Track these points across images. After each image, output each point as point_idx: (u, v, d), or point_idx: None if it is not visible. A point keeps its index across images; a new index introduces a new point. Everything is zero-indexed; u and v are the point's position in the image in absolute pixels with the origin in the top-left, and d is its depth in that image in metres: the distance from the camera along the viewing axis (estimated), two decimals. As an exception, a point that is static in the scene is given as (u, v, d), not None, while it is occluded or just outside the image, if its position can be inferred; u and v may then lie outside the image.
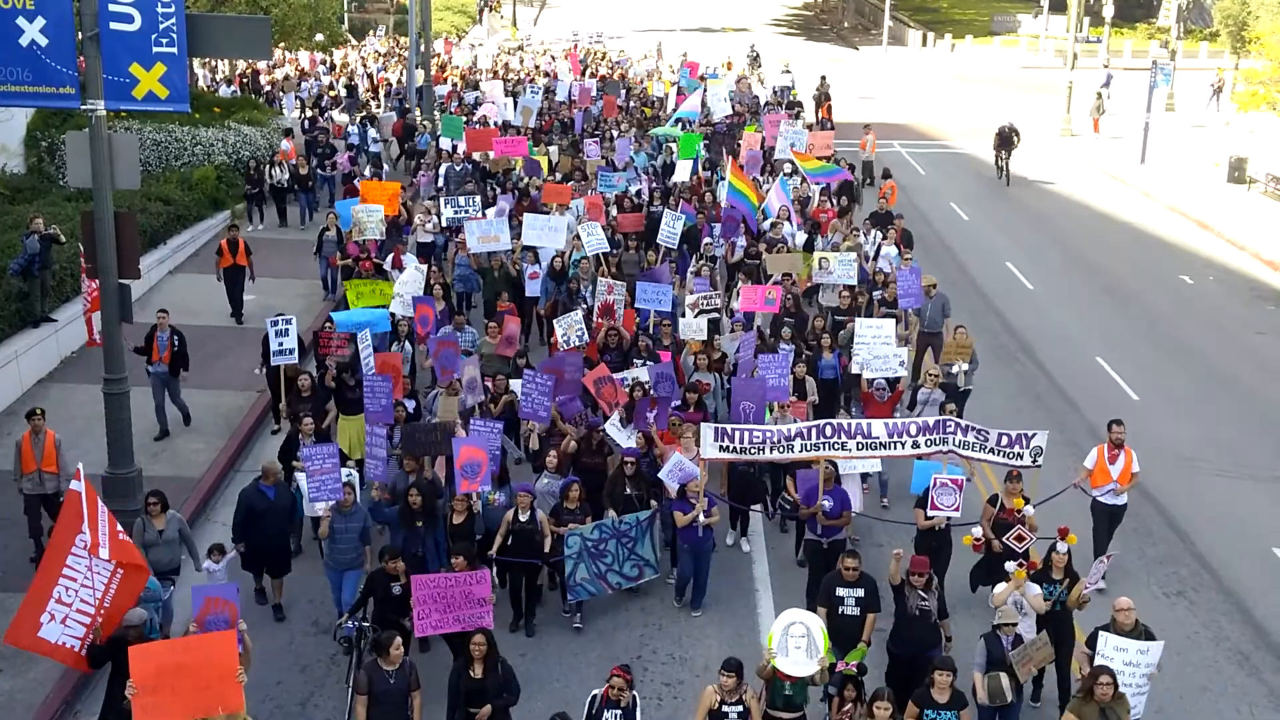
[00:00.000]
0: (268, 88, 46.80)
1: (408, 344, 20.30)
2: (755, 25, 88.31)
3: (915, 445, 15.17)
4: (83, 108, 15.92)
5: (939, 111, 56.10)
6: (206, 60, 47.71)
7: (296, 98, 44.78)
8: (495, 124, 36.30)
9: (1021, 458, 15.15)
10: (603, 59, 57.97)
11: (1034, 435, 15.18)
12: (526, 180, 29.50)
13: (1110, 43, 64.50)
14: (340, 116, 40.48)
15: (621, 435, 17.09)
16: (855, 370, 19.01)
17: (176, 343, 19.64)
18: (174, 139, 32.30)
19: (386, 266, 23.32)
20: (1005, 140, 40.28)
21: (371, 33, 61.90)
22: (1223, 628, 15.89)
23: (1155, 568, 17.23)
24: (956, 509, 14.83)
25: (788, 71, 51.49)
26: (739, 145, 33.25)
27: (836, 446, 15.03)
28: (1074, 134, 49.76)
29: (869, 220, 27.82)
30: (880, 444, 15.13)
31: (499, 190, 29.38)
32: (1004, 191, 40.76)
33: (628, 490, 15.68)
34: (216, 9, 37.52)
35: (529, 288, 23.56)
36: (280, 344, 19.00)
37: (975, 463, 15.69)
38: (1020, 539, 14.59)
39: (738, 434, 15.01)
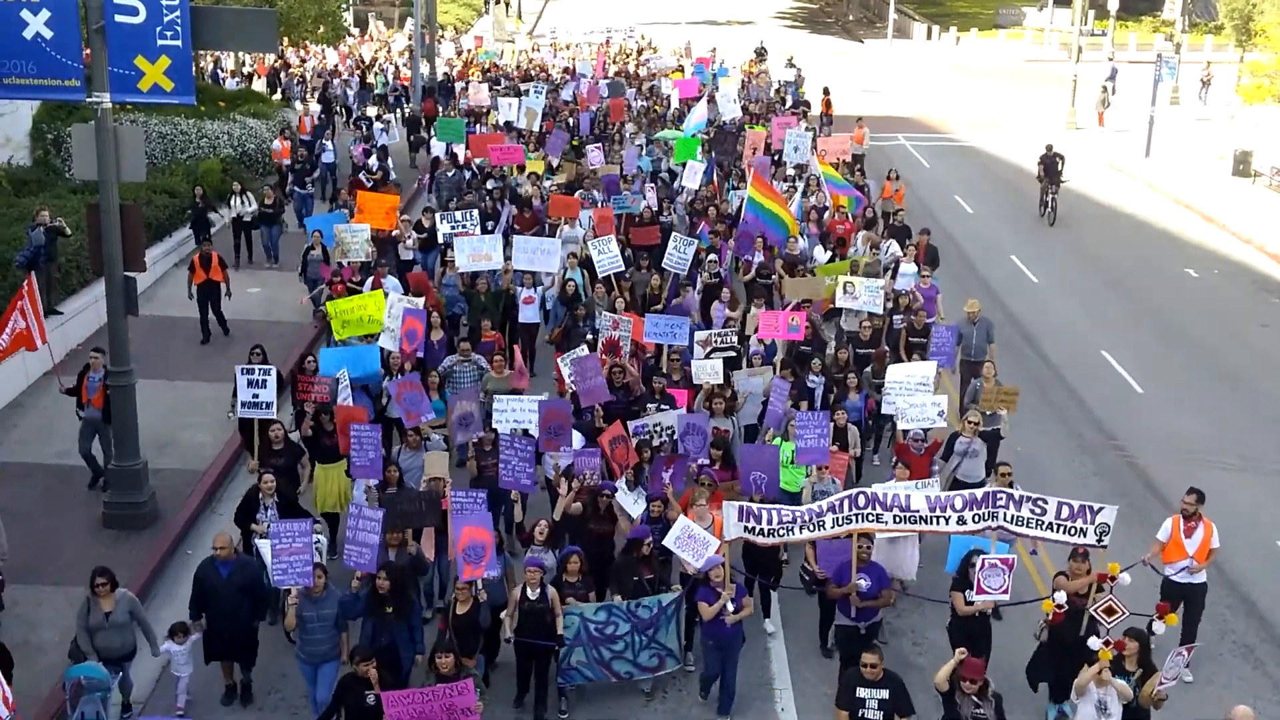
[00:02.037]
0: (297, 82, 46.49)
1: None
2: (760, 18, 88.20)
3: (961, 520, 13.21)
4: (88, 100, 15.99)
5: (943, 104, 56.01)
6: (223, 56, 47.38)
7: (331, 95, 43.40)
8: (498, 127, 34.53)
9: (1085, 534, 13.01)
10: (639, 54, 55.01)
11: (1100, 510, 12.98)
12: (527, 190, 27.54)
13: (1115, 36, 64.41)
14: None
15: (629, 500, 15.13)
16: (888, 412, 17.49)
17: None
18: (179, 131, 32.34)
19: (366, 290, 21.10)
20: (1051, 169, 34.70)
21: (400, 29, 61.58)
22: (1227, 621, 15.90)
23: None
24: (1005, 592, 13.08)
25: (792, 65, 51.34)
26: (741, 148, 31.39)
27: (871, 519, 13.22)
28: (1079, 127, 49.67)
29: (885, 230, 26.29)
30: (921, 518, 13.27)
31: (497, 199, 27.11)
32: (1009, 185, 40.70)
33: (638, 575, 13.86)
34: (221, 1, 37.49)
35: (523, 313, 21.54)
36: (255, 395, 16.48)
37: (1033, 540, 13.74)
38: (1110, 611, 12.57)
39: (764, 514, 13.32)
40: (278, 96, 44.85)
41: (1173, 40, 57.71)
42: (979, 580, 12.94)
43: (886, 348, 19.73)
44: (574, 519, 14.76)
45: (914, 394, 17.14)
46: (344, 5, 53.06)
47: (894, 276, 22.94)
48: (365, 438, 15.18)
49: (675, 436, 16.41)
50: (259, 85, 47.45)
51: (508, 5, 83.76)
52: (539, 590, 13.15)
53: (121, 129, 16.74)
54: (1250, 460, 20.46)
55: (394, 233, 24.47)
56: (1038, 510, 13.02)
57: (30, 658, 13.94)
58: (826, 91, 43.99)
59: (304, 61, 50.43)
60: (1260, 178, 40.58)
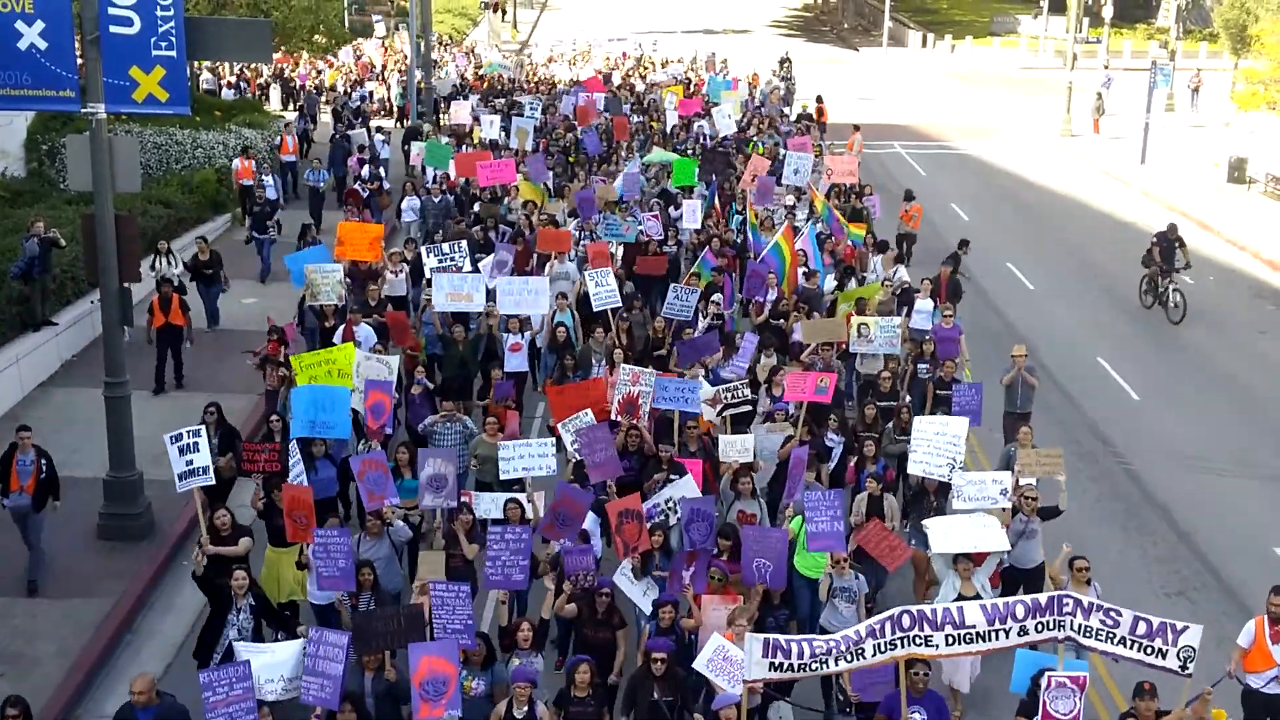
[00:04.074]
0: (311, 91, 46.24)
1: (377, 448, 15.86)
2: (756, 26, 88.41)
3: (1023, 632, 11.27)
4: (83, 111, 16.04)
5: (939, 112, 56.13)
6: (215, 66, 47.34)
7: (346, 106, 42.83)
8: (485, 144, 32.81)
9: (1164, 656, 11.02)
10: (664, 65, 53.53)
11: (1183, 630, 10.99)
12: (519, 217, 25.40)
13: (1110, 43, 64.58)
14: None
15: (636, 590, 13.28)
16: (914, 471, 15.22)
17: (44, 467, 15.37)
18: (174, 142, 32.37)
19: (336, 340, 18.89)
20: (1169, 253, 27.77)
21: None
22: (1224, 627, 15.83)
23: (1156, 567, 17.24)
24: (1076, 718, 11.18)
25: (786, 77, 51.26)
26: (740, 169, 28.88)
27: (919, 642, 11.12)
28: (1074, 134, 49.82)
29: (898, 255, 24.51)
30: (978, 634, 11.22)
31: (490, 227, 24.97)
32: (1005, 192, 40.74)
33: (655, 695, 11.69)
34: (217, 12, 37.52)
35: (509, 361, 19.16)
36: (189, 462, 14.07)
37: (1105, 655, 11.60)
38: None
39: (794, 646, 11.20)
40: (292, 109, 44.78)
41: (1167, 47, 57.85)
42: (1045, 703, 11.14)
43: (909, 399, 17.92)
44: (568, 623, 13.10)
45: (943, 445, 14.90)
46: (339, 16, 53.02)
47: (908, 314, 20.92)
48: (333, 544, 12.79)
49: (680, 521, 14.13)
50: (274, 94, 47.60)
51: (503, 13, 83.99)
52: (526, 708, 11.21)
53: (116, 139, 16.79)
54: (1247, 466, 20.47)
55: (378, 265, 22.41)
56: (1110, 622, 11.16)
57: (25, 671, 13.90)
58: (820, 99, 43.86)
59: (319, 73, 50.35)
60: (1255, 185, 40.64)
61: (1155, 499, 19.18)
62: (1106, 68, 58.60)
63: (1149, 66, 47.66)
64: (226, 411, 17.02)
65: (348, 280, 21.11)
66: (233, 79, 47.34)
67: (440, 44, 63.24)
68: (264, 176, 30.88)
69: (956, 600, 12.49)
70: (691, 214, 25.48)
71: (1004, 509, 14.16)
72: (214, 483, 14.46)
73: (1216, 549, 17.71)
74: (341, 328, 19.30)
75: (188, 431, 14.24)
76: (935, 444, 14.96)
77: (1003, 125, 52.72)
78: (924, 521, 13.99)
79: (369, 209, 28.94)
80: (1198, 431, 21.77)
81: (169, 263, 23.81)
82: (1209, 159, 43.86)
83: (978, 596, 12.92)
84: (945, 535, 13.40)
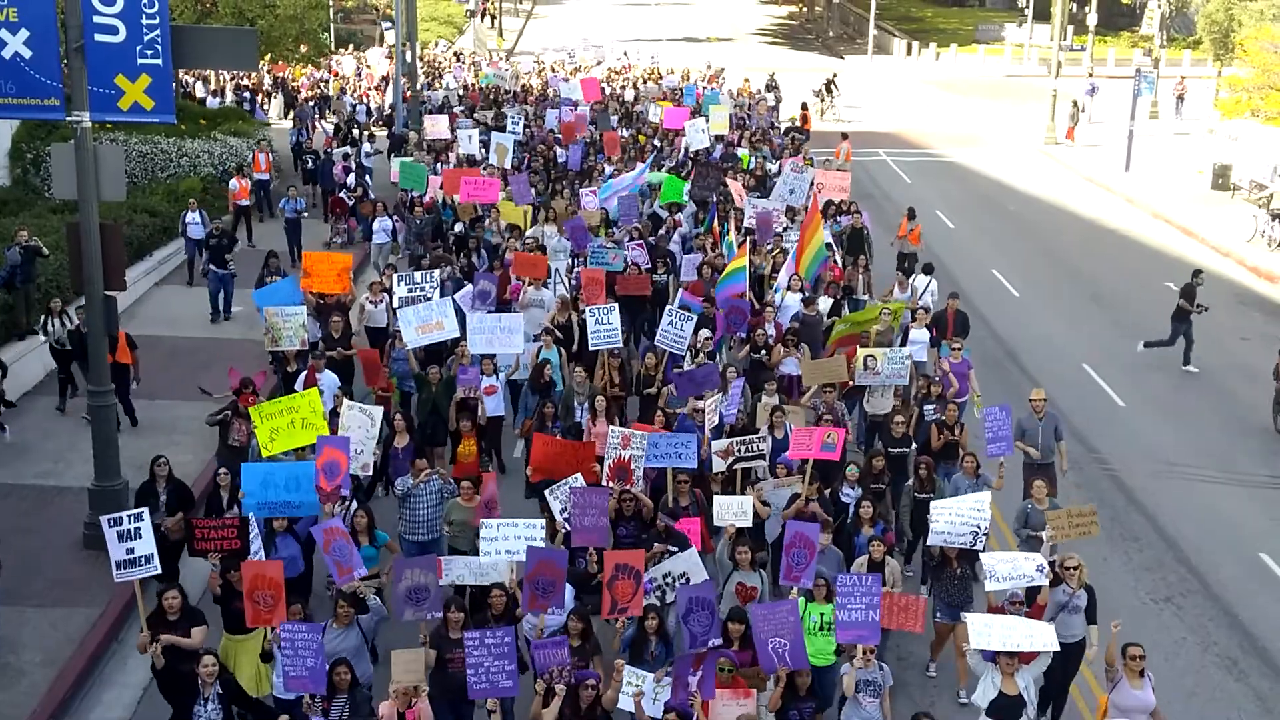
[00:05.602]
0: (311, 101, 45.98)
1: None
2: (740, 35, 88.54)
3: None
4: (68, 119, 15.98)
5: (924, 120, 56.27)
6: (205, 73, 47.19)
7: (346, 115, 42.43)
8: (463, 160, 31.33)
9: None
10: (669, 74, 52.45)
11: None
12: (503, 243, 23.90)
13: (1094, 51, 64.82)
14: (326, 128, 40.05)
15: (634, 682, 11.56)
16: (936, 543, 13.66)
17: None
18: (160, 150, 32.33)
19: (298, 387, 17.62)
20: None
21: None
22: (1210, 633, 15.94)
23: (1142, 574, 17.28)
24: None
25: (773, 87, 51.17)
26: (729, 189, 27.65)
27: None
28: (1058, 142, 49.99)
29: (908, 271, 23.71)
30: None
31: (473, 249, 23.65)
32: (990, 199, 40.85)
33: None
34: (202, 20, 37.50)
35: (487, 405, 17.73)
36: (129, 550, 12.30)
37: None
38: None
39: None
40: (290, 118, 44.64)
41: (1151, 55, 58.12)
42: None
43: (925, 457, 16.06)
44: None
45: (967, 518, 13.40)
46: (323, 25, 52.99)
47: (903, 342, 19.66)
48: (301, 640, 11.19)
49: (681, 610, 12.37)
50: (275, 104, 47.54)
51: (494, 18, 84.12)
52: None
53: (101, 148, 16.73)
54: (1232, 472, 20.54)
55: (346, 298, 21.22)
56: None
57: (12, 680, 13.85)
58: (805, 106, 43.90)
59: (325, 82, 50.19)
60: (1239, 191, 40.79)
61: (1141, 505, 19.24)
62: (1091, 75, 58.79)
63: (1133, 74, 47.87)
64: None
65: (313, 316, 20.16)
66: (230, 84, 47.16)
67: (453, 53, 63.22)
68: (188, 214, 27.27)
69: (998, 699, 11.64)
70: (690, 267, 23.13)
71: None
72: (159, 573, 12.64)
73: (1202, 555, 17.76)
74: (304, 374, 18.12)
75: (128, 516, 12.49)
76: (957, 510, 13.55)
77: (988, 133, 52.90)
78: (964, 615, 12.61)
79: (353, 217, 28.89)
80: (1183, 437, 21.84)
81: (62, 323, 20.54)
82: (1193, 166, 44.05)
83: (1020, 698, 11.80)
84: (986, 630, 11.89)
